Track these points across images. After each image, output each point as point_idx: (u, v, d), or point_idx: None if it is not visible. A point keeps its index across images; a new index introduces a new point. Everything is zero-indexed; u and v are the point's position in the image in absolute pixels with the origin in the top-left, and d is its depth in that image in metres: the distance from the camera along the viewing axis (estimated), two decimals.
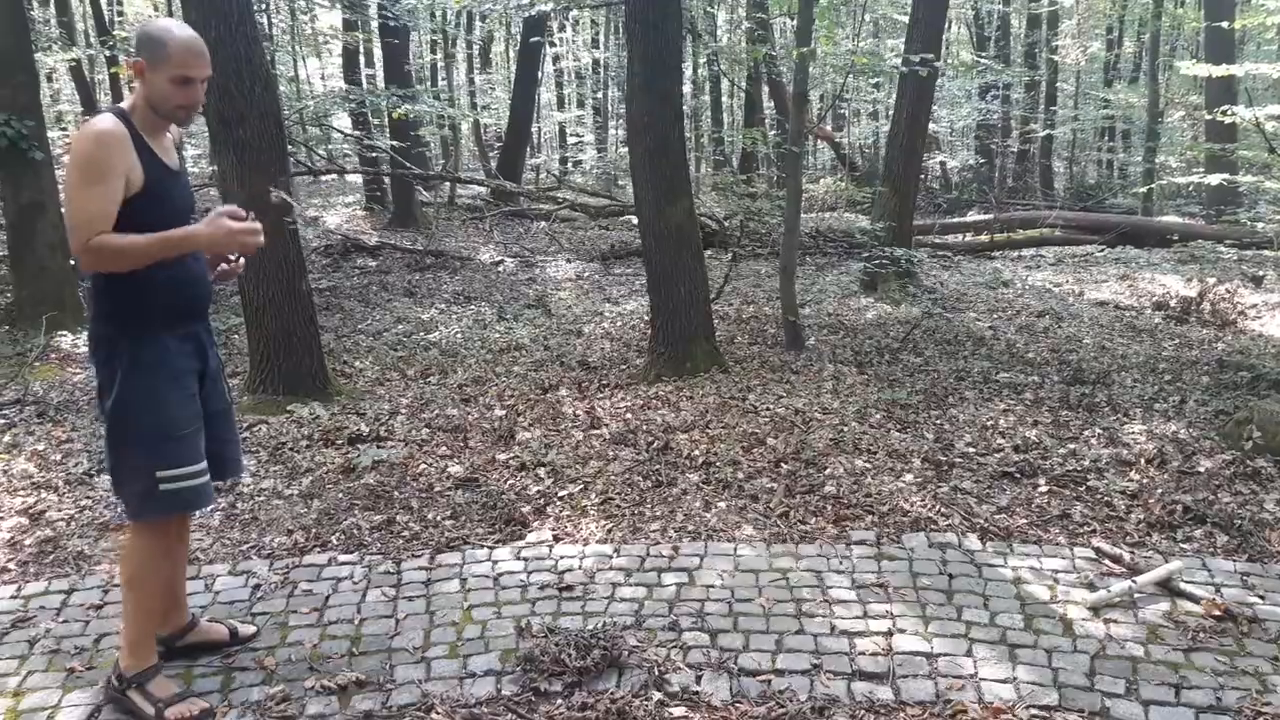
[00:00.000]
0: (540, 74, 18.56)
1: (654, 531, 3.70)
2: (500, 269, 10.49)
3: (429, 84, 18.16)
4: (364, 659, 2.84)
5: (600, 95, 23.48)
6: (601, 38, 23.21)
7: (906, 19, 9.60)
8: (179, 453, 2.50)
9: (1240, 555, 3.44)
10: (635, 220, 8.45)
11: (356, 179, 14.90)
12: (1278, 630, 2.90)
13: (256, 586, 3.30)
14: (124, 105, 2.49)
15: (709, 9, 13.71)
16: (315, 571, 3.40)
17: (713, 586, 3.23)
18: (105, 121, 2.39)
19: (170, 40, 2.41)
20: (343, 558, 3.52)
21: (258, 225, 2.52)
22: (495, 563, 3.44)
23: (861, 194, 10.81)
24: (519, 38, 16.69)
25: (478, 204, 14.87)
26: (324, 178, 15.39)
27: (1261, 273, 9.80)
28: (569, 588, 3.23)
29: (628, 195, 12.26)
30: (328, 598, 3.21)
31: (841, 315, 7.77)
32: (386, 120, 13.09)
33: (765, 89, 15.60)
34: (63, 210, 2.52)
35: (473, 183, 14.92)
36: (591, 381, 5.87)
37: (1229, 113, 7.01)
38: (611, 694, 2.61)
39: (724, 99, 20.47)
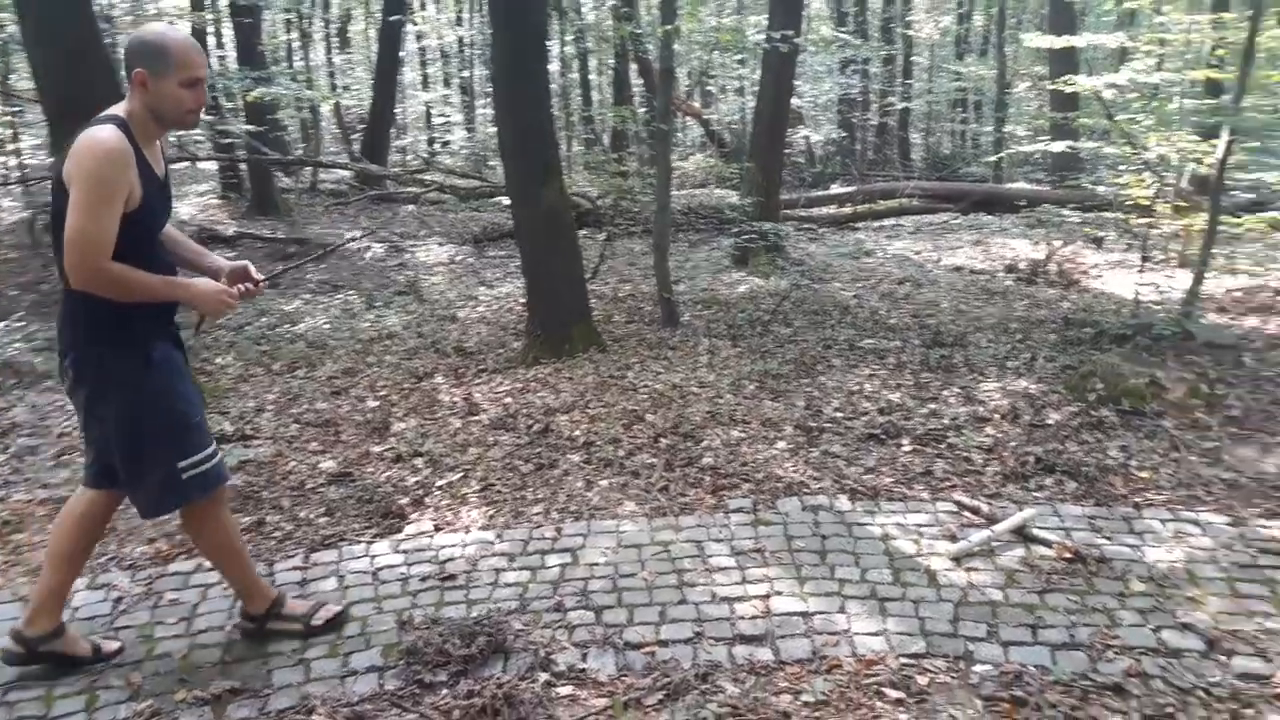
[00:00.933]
0: (402, 53, 18.06)
1: (536, 515, 3.70)
2: (368, 255, 10.22)
3: (285, 65, 17.43)
4: (238, 666, 2.76)
5: (467, 74, 23.03)
6: (466, 15, 22.73)
7: None
8: (196, 440, 2.59)
9: (1087, 500, 3.69)
10: (507, 201, 8.36)
11: (211, 166, 14.20)
12: (1123, 568, 3.13)
13: (118, 599, 3.15)
14: (120, 114, 2.43)
15: None
16: (181, 580, 3.27)
17: (596, 564, 3.26)
18: (113, 138, 2.35)
19: (172, 45, 2.41)
20: (209, 564, 3.39)
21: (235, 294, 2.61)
22: (374, 557, 3.38)
23: (730, 170, 10.97)
24: (379, 16, 16.18)
25: (341, 189, 14.40)
26: (174, 166, 14.62)
27: (1102, 234, 10.44)
28: (451, 577, 3.20)
29: (499, 176, 12.10)
30: (196, 606, 3.09)
31: (715, 290, 7.90)
32: (241, 103, 12.51)
33: (633, 66, 15.61)
34: (70, 226, 2.33)
35: (335, 166, 14.42)
36: (468, 367, 5.80)
37: (1070, 82, 7.40)
38: (498, 679, 2.61)
39: (592, 77, 20.40)
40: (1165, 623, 2.79)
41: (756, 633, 2.80)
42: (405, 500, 3.88)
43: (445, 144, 21.78)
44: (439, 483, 4.04)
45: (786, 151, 13.44)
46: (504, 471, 4.13)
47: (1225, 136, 6.14)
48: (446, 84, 25.09)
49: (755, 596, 3.00)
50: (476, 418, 4.83)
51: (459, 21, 22.91)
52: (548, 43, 9.47)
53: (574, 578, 3.18)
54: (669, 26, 6.15)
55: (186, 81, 2.43)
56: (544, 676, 2.62)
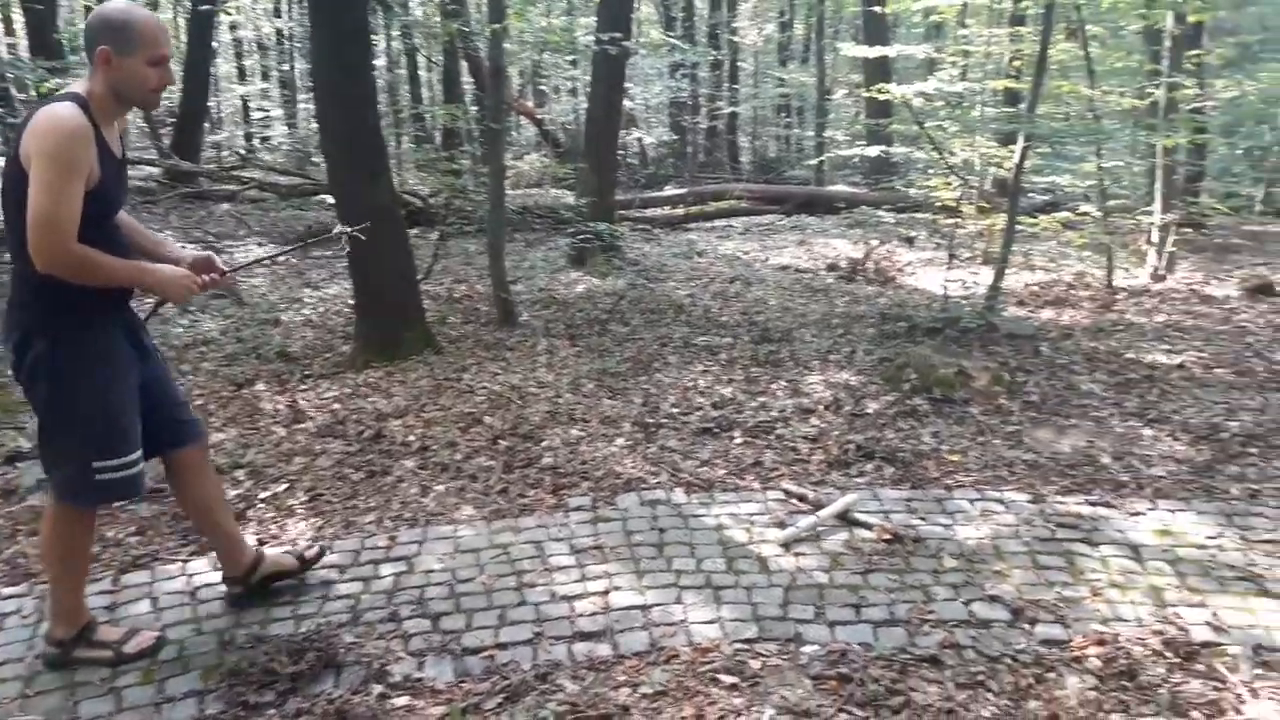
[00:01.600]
0: (215, 44, 17.09)
1: (369, 524, 3.58)
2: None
3: (84, 55, 16.18)
4: (42, 699, 2.55)
5: (287, 68, 22.04)
6: (284, 6, 21.74)
7: None
8: (118, 443, 2.51)
9: (904, 484, 3.91)
10: (332, 200, 8.06)
11: None
12: (937, 546, 3.33)
13: None
14: (79, 91, 2.36)
15: None
16: None
17: (433, 571, 3.20)
18: (74, 115, 2.28)
19: (137, 22, 2.36)
20: (7, 590, 3.11)
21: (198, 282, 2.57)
22: (190, 576, 3.19)
23: (565, 170, 10.98)
24: (189, 4, 15.25)
25: (150, 186, 13.48)
26: None
27: (914, 234, 11.10)
28: (277, 593, 3.05)
29: (322, 173, 11.64)
30: None
31: (553, 290, 7.89)
32: (35, 96, 11.52)
33: (464, 64, 15.38)
34: (33, 205, 2.25)
35: (142, 163, 13.49)
36: (293, 373, 5.55)
37: (883, 91, 7.82)
38: (329, 695, 2.51)
39: (422, 73, 19.96)
40: (975, 596, 2.99)
41: (596, 629, 2.82)
42: None
43: (265, 140, 20.77)
44: (262, 495, 3.85)
45: (620, 153, 13.58)
46: (333, 481, 3.98)
47: (1021, 142, 6.64)
48: (265, 77, 23.95)
49: (595, 593, 3.02)
50: (302, 425, 4.63)
51: (277, 13, 21.89)
52: (372, 37, 9.19)
53: (409, 586, 3.10)
54: (498, 25, 6.10)
55: (152, 60, 2.38)
56: (378, 688, 2.55)
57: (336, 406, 4.89)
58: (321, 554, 3.15)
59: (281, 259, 8.71)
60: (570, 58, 16.97)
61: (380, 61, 16.64)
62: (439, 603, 2.99)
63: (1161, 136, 8.36)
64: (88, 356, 2.47)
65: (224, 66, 21.48)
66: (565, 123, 19.70)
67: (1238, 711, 2.41)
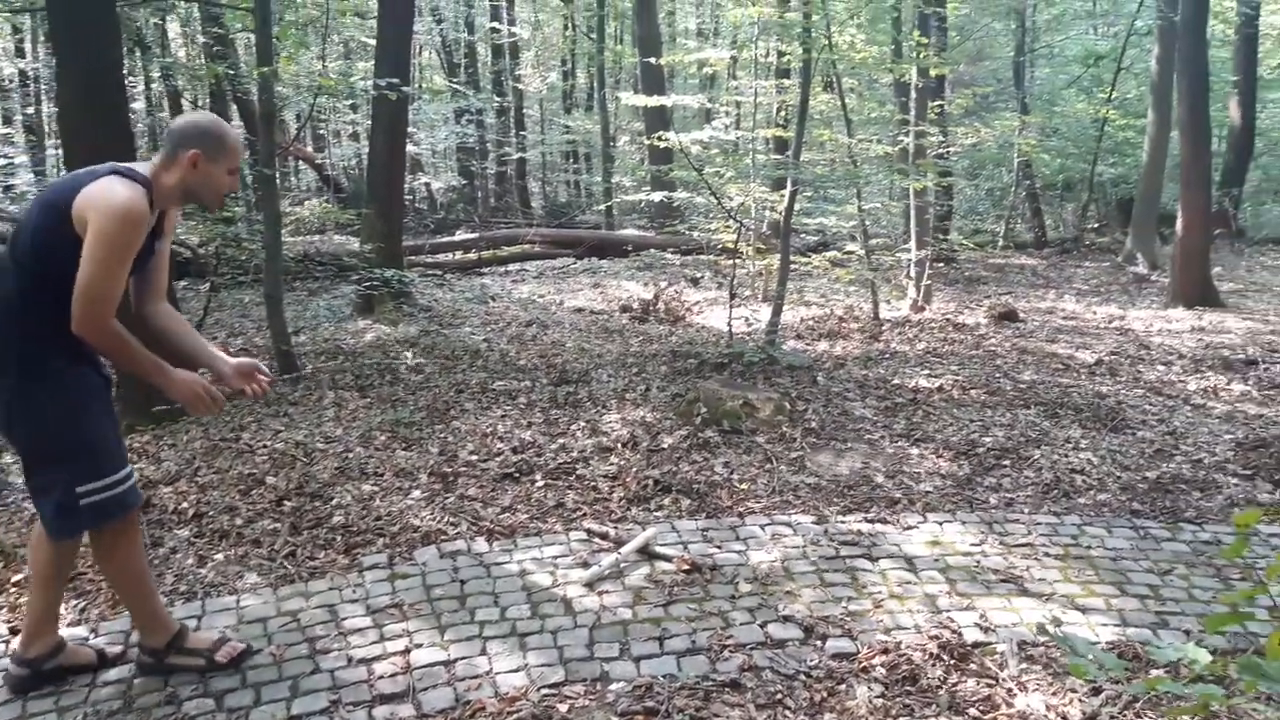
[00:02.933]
0: None
1: None
2: None
3: None
4: None
5: (32, 111, 20.19)
6: (28, 46, 19.96)
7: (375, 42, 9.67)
8: (99, 466, 2.56)
9: (700, 514, 4.02)
10: None
11: None
12: (733, 573, 3.44)
13: None
14: (146, 174, 2.52)
15: (158, 20, 12.50)
16: None
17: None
18: (139, 201, 2.43)
19: (229, 135, 2.62)
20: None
21: (218, 400, 2.72)
22: None
23: (349, 216, 10.66)
24: None
25: None
26: None
27: (699, 274, 11.57)
28: (37, 686, 2.73)
29: None
30: None
31: (339, 339, 7.60)
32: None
33: (234, 107, 14.68)
34: (84, 275, 2.40)
35: None
36: None
37: (663, 138, 8.14)
38: None
39: None
40: (770, 617, 3.12)
41: (397, 690, 2.70)
42: None
43: (7, 189, 18.89)
44: (14, 578, 3.45)
45: (408, 198, 13.35)
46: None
47: (790, 187, 7.08)
48: (7, 121, 21.84)
49: (394, 653, 2.90)
50: None
51: (20, 53, 20.06)
52: (129, 78, 8.60)
53: (188, 665, 2.86)
54: (266, 69, 5.87)
55: (231, 169, 2.64)
56: None
57: None
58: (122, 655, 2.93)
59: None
60: (349, 102, 16.57)
61: (139, 105, 15.59)
62: (222, 679, 2.78)
63: (912, 180, 9.17)
64: (78, 388, 2.58)
65: None
66: (348, 167, 19.18)
67: (1009, 705, 2.63)
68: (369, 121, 11.33)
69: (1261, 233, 16.53)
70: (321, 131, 19.64)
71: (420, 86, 17.80)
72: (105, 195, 2.39)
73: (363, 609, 3.19)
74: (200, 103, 16.22)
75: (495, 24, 19.77)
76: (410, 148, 14.27)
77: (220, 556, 3.63)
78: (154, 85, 15.55)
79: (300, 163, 20.04)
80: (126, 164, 2.55)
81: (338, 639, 2.99)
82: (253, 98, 11.44)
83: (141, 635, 2.79)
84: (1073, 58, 18.83)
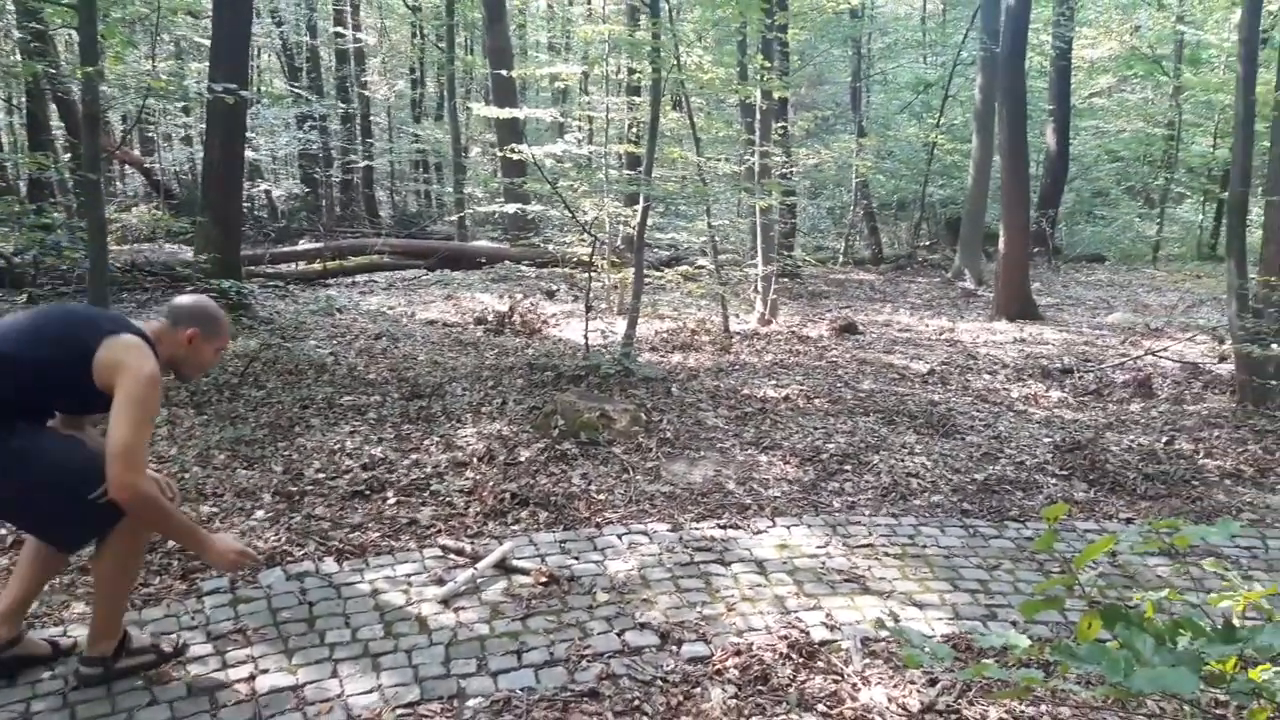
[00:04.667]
0: None
1: None
2: None
3: None
4: None
5: None
6: None
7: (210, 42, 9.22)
8: (95, 471, 2.57)
9: (558, 526, 4.03)
10: None
11: None
12: (590, 583, 3.46)
13: None
14: (151, 339, 2.68)
15: None
16: None
17: (38, 682, 2.75)
18: (156, 366, 2.61)
19: (223, 319, 2.87)
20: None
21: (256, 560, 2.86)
22: None
23: (181, 224, 10.11)
24: None
25: None
26: None
27: (554, 287, 11.58)
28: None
29: None
30: None
31: None
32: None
33: (53, 107, 13.67)
34: (118, 436, 2.48)
35: None
36: None
37: (516, 151, 8.12)
38: None
39: (0, 116, 17.47)
40: (627, 625, 3.15)
41: (241, 717, 2.59)
42: None
43: None
44: None
45: (246, 205, 12.77)
46: None
47: (642, 202, 7.20)
48: None
49: (238, 680, 2.77)
50: None
51: None
52: None
53: (6, 703, 2.64)
54: (90, 68, 5.51)
55: (218, 348, 2.87)
56: None
57: None
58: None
59: None
60: (181, 104, 15.74)
61: None
62: (48, 716, 2.58)
63: (758, 198, 9.49)
64: (45, 434, 2.66)
65: None
66: (179, 172, 18.20)
67: (854, 699, 2.75)
68: (203, 125, 10.81)
69: (1075, 251, 17.99)
70: (150, 135, 18.56)
71: (259, 90, 17.07)
72: (139, 362, 2.56)
73: (203, 635, 3.03)
74: (15, 101, 15.05)
75: (339, 29, 19.23)
76: (249, 153, 13.68)
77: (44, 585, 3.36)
78: None
79: (127, 167, 18.86)
80: (137, 324, 2.70)
81: (175, 667, 2.83)
82: (75, 98, 10.71)
83: (92, 644, 2.73)
84: (904, 85, 20.01)
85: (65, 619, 3.11)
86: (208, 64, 8.80)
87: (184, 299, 2.87)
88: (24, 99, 13.45)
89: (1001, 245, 10.78)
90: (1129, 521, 4.34)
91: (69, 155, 12.77)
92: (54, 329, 2.62)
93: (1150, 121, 20.07)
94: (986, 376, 7.38)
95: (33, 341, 2.58)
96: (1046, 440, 5.56)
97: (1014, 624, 3.27)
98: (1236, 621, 1.62)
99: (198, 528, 2.75)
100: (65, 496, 2.61)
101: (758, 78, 9.61)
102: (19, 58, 10.16)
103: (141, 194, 18.93)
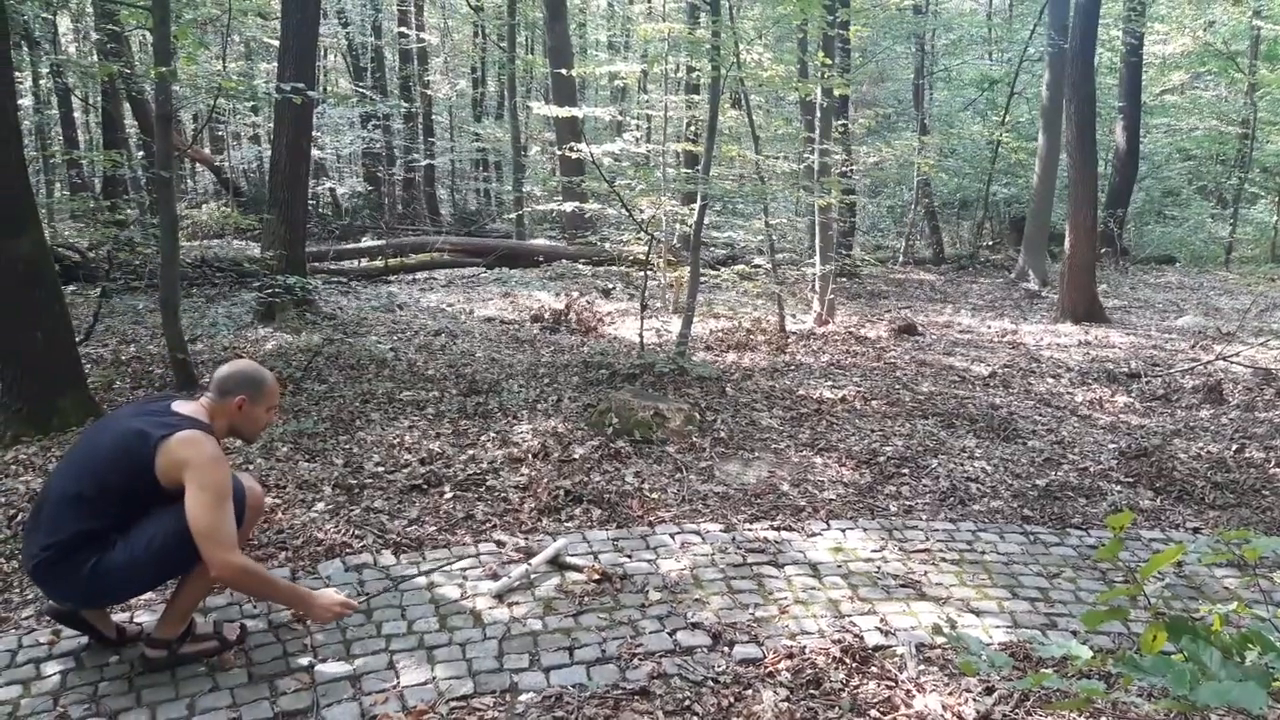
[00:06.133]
0: None
1: (27, 619, 3.14)
2: None
3: None
4: None
5: None
6: None
7: (278, 43, 9.44)
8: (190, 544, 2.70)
9: (611, 524, 4.05)
10: None
11: None
12: (643, 581, 3.47)
13: None
14: (206, 422, 2.80)
15: (45, 15, 11.93)
16: None
17: (106, 666, 2.85)
18: (219, 450, 2.73)
19: (269, 380, 2.97)
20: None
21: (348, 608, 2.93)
22: None
23: (250, 221, 10.36)
24: None
25: None
26: None
27: (611, 286, 11.61)
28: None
29: None
30: None
31: (239, 348, 7.37)
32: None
33: (128, 106, 14.11)
34: (202, 523, 2.64)
35: None
36: None
37: (575, 149, 8.16)
38: None
39: (78, 115, 18.08)
40: (679, 625, 3.15)
41: (300, 706, 2.65)
42: None
43: None
44: None
45: (311, 203, 13.04)
46: None
47: (700, 201, 7.18)
48: None
49: (297, 669, 2.84)
50: None
51: None
52: (15, 72, 8.21)
53: (79, 685, 2.75)
54: (164, 69, 5.68)
55: (270, 408, 2.99)
56: None
57: None
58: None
59: None
60: (250, 104, 16.11)
61: (26, 101, 14.88)
62: (116, 699, 2.67)
63: (817, 197, 9.40)
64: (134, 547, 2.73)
65: None
66: (248, 170, 18.64)
67: (908, 706, 2.72)
68: (271, 124, 11.05)
69: (1144, 252, 17.49)
70: (220, 133, 19.04)
71: (325, 90, 17.41)
72: (198, 454, 2.67)
73: (264, 624, 3.11)
74: (92, 101, 15.57)
75: (404, 29, 19.51)
76: (314, 152, 13.96)
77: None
78: (43, 82, 14.86)
79: (198, 165, 19.39)
80: (184, 408, 2.80)
81: (237, 655, 2.91)
82: (148, 98, 11.04)
83: (160, 626, 2.84)
84: (969, 81, 19.64)
85: (133, 604, 3.21)
86: (276, 64, 9.00)
87: (225, 369, 2.95)
88: (100, 98, 13.89)
89: (1067, 245, 10.54)
90: (1196, 531, 4.21)
91: (142, 153, 13.18)
92: (105, 454, 2.72)
93: (1224, 119, 19.44)
94: (1050, 380, 7.22)
95: (92, 474, 2.70)
96: (1111, 446, 5.42)
97: (1075, 634, 3.20)
98: None
99: (297, 587, 2.92)
100: (172, 568, 2.79)
101: (818, 75, 9.53)
102: (96, 58, 10.50)
103: (211, 191, 19.45)
